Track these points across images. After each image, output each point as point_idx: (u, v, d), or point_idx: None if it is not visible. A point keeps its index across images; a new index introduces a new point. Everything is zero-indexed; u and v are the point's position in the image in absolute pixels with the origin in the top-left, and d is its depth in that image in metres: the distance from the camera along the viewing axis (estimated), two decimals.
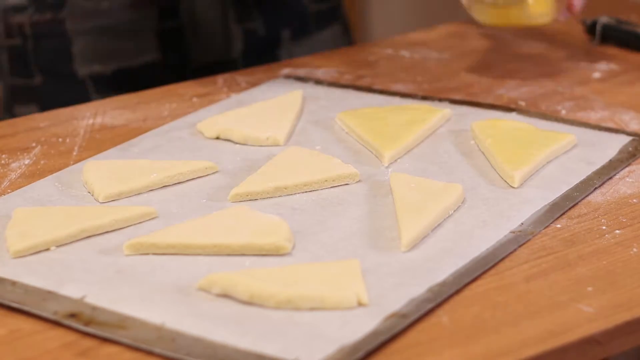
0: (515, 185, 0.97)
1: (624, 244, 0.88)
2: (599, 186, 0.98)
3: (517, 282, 0.83)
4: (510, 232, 0.89)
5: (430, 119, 1.10)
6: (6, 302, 0.80)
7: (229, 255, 0.86)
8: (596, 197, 0.96)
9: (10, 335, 0.78)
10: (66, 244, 0.88)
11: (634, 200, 0.96)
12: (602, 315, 0.78)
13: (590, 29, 1.40)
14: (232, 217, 0.90)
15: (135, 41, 1.36)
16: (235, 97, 1.21)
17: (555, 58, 1.35)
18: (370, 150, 1.06)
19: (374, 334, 0.75)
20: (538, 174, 1.00)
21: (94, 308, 0.79)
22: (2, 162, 1.05)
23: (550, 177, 1.00)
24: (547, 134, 1.06)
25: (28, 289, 0.82)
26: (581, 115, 1.15)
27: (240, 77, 1.29)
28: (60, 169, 1.03)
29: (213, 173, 1.01)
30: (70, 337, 0.77)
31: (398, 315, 0.77)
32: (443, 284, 0.81)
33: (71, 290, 0.81)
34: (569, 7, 1.23)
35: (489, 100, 1.20)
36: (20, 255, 0.86)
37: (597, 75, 1.28)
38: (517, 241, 0.88)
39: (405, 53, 1.37)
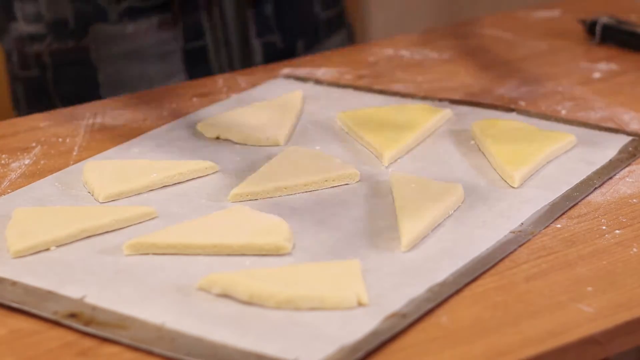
0: (515, 185, 0.97)
1: (624, 244, 0.88)
2: (599, 186, 0.98)
3: (517, 282, 0.83)
4: (510, 232, 0.89)
5: (430, 119, 1.10)
6: (6, 302, 0.80)
7: (229, 255, 0.86)
8: (596, 197, 0.96)
9: (10, 335, 0.78)
10: (66, 244, 0.88)
11: (634, 200, 0.96)
12: (602, 315, 0.78)
13: (590, 29, 1.40)
14: (232, 217, 0.90)
15: (162, 64, 1.34)
16: (235, 97, 1.21)
17: (555, 58, 1.35)
18: (370, 150, 1.06)
19: (374, 334, 0.75)
20: (538, 174, 1.00)
21: (94, 308, 0.79)
22: (2, 162, 1.05)
23: (550, 177, 1.00)
24: (547, 134, 1.06)
25: (28, 289, 0.82)
26: (581, 115, 1.15)
27: (240, 77, 1.29)
28: (60, 169, 1.03)
29: (213, 173, 1.01)
30: (70, 337, 0.77)
31: (398, 315, 0.77)
32: (443, 284, 0.81)
33: (71, 290, 0.81)
34: None
35: (489, 100, 1.20)
36: (20, 255, 0.86)
37: (597, 75, 1.28)
38: (517, 241, 0.88)
39: (405, 53, 1.37)
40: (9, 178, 1.02)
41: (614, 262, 0.85)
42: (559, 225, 0.91)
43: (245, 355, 0.73)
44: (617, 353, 0.79)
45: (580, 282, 0.83)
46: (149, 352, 0.75)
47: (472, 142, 1.08)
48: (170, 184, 0.99)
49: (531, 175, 0.99)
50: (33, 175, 1.02)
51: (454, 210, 0.93)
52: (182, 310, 0.79)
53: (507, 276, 0.84)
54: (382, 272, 0.83)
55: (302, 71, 1.30)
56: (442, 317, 0.78)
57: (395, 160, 1.04)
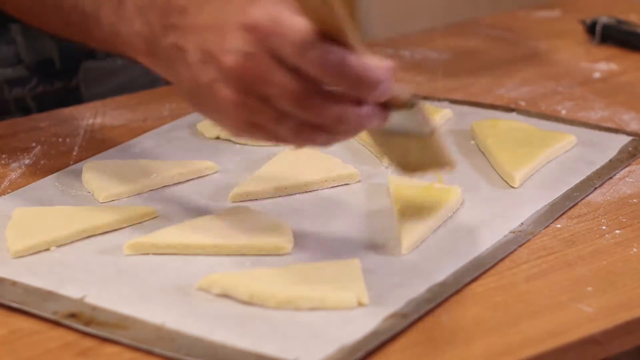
0: (515, 185, 0.97)
1: (624, 244, 0.88)
2: (599, 186, 0.98)
3: (517, 282, 0.83)
4: (510, 232, 0.89)
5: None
6: (6, 302, 0.80)
7: (229, 255, 0.86)
8: (596, 197, 0.96)
9: (10, 335, 0.77)
10: (66, 244, 0.88)
11: (634, 200, 0.96)
12: (602, 315, 0.78)
13: (590, 28, 1.40)
14: (232, 217, 0.90)
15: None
16: None
17: (555, 58, 1.35)
18: (370, 150, 1.06)
19: (374, 334, 0.75)
20: (538, 174, 1.00)
21: (94, 308, 0.79)
22: (2, 162, 1.05)
23: (550, 177, 1.00)
24: (547, 134, 1.06)
25: (28, 289, 0.82)
26: (581, 115, 1.15)
27: None
28: (60, 169, 1.03)
29: (213, 173, 1.01)
30: (70, 337, 0.77)
31: (398, 315, 0.77)
32: (443, 284, 0.81)
33: (71, 290, 0.81)
34: None
35: (489, 100, 1.20)
36: (20, 255, 0.86)
37: (597, 75, 1.28)
38: (517, 241, 0.88)
39: (405, 53, 1.37)
40: (9, 178, 1.02)
41: (614, 262, 0.85)
42: (559, 225, 0.91)
43: (245, 355, 0.73)
44: (617, 353, 0.79)
45: (580, 282, 0.82)
46: (149, 352, 0.75)
47: (472, 142, 1.08)
48: (170, 184, 0.99)
49: (531, 175, 0.99)
50: (33, 175, 1.02)
51: (454, 212, 0.93)
52: (182, 310, 0.79)
53: (507, 276, 0.84)
54: (382, 272, 0.83)
55: None
56: (442, 317, 0.78)
57: None
